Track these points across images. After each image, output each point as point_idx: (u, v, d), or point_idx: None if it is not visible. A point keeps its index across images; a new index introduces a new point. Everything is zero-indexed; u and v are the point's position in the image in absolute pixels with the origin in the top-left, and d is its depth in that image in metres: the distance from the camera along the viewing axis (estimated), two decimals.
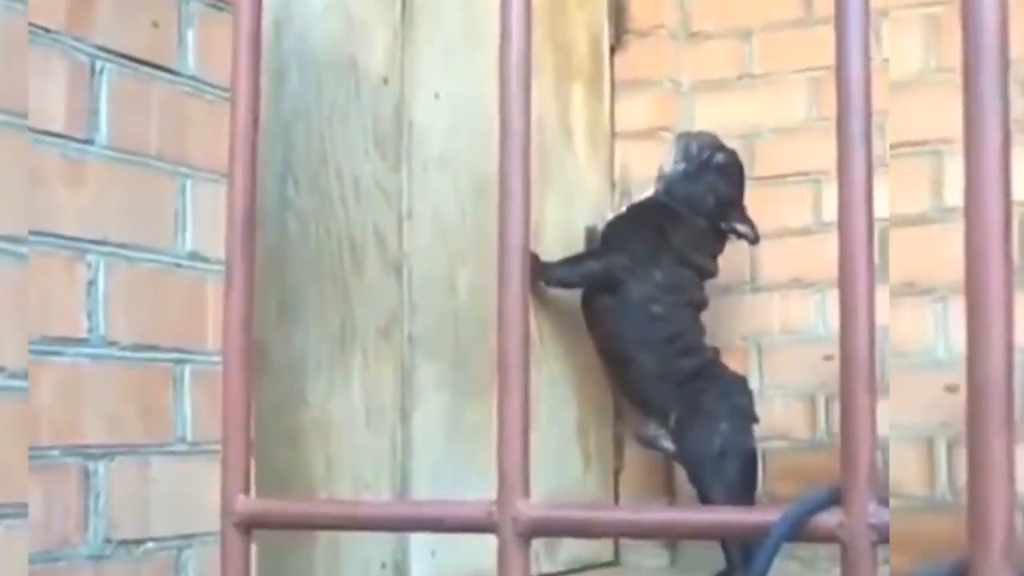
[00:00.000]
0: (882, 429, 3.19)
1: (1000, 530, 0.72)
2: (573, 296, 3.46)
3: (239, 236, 1.29)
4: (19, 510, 1.65)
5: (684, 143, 3.39)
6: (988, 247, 0.74)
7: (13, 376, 1.63)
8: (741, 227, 3.35)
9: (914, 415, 2.77)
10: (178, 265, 1.93)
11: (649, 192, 3.42)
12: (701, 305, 3.36)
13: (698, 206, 3.34)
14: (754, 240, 3.34)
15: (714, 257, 3.38)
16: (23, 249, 1.65)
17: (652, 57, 3.84)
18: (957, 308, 2.69)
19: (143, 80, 1.88)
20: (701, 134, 3.42)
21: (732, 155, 3.40)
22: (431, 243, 2.91)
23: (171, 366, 1.92)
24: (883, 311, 3.20)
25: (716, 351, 3.34)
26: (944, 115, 2.71)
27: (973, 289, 0.73)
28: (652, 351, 3.24)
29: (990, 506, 0.73)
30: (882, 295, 3.22)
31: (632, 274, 3.25)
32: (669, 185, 3.37)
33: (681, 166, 3.35)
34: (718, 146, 3.39)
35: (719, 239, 3.37)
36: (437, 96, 2.95)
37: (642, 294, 3.24)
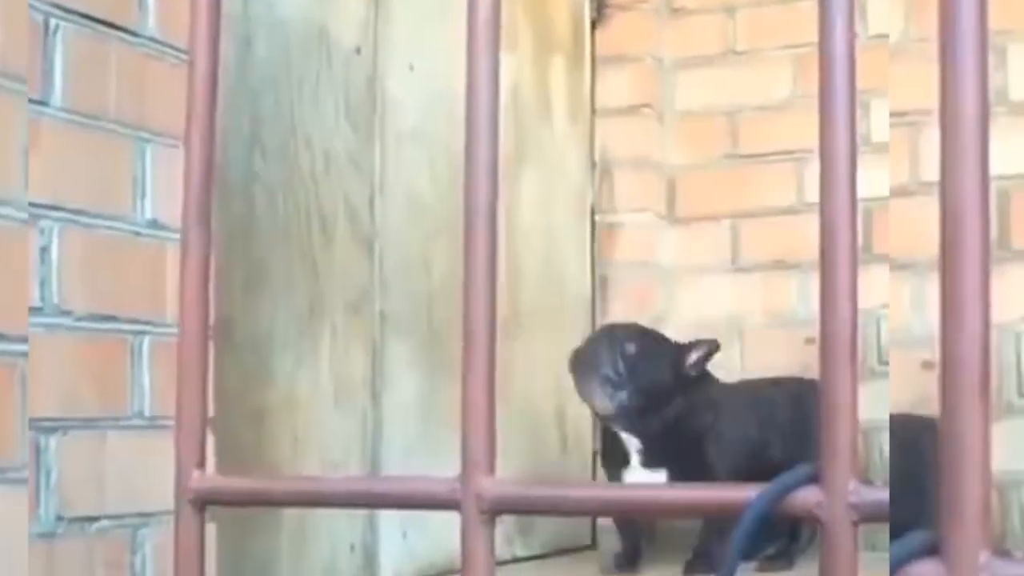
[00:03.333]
0: (872, 412, 3.19)
1: (974, 504, 0.70)
2: (554, 268, 3.44)
3: (195, 202, 1.25)
4: (19, 476, 1.63)
5: (595, 375, 2.92)
6: (964, 220, 0.73)
7: (10, 341, 1.60)
8: (697, 354, 2.96)
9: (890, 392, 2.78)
10: (137, 233, 1.88)
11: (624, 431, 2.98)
12: None
13: (664, 392, 2.94)
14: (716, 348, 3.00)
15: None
16: (22, 215, 1.61)
17: (634, 32, 3.79)
18: (935, 283, 2.63)
19: (100, 40, 1.82)
20: (597, 350, 2.96)
21: (633, 332, 3.01)
22: (404, 218, 2.86)
23: (129, 337, 1.86)
24: (876, 291, 3.21)
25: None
26: (922, 86, 2.69)
27: (949, 261, 0.72)
28: None
29: (964, 479, 0.71)
30: (874, 273, 3.24)
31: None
32: (627, 414, 2.93)
33: (621, 394, 2.90)
34: (621, 340, 2.96)
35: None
36: (412, 68, 2.90)
37: None
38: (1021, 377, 3.24)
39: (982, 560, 0.69)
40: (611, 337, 3.00)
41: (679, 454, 2.94)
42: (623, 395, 2.90)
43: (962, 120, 0.74)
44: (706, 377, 3.02)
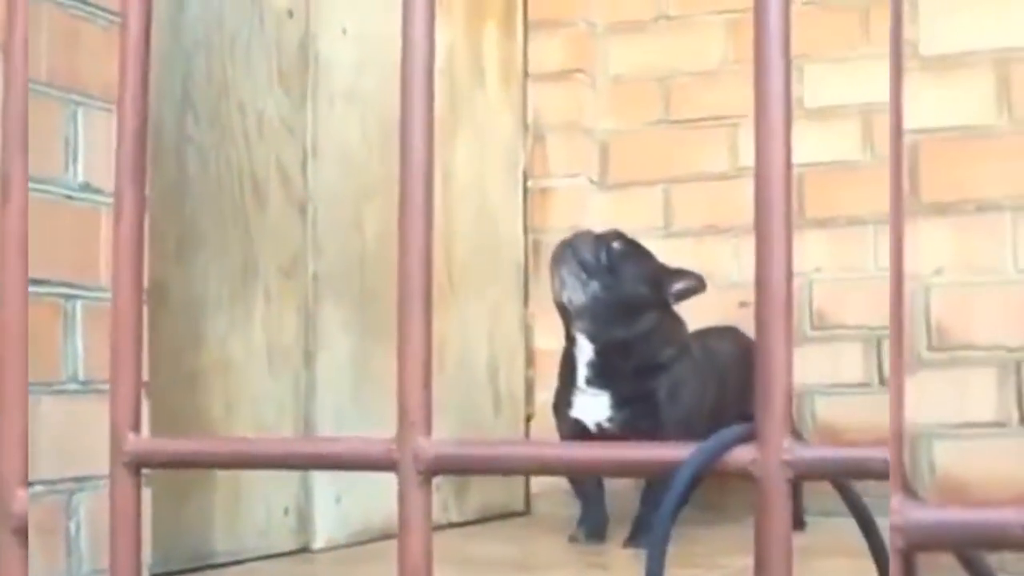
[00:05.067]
0: (805, 377, 3.25)
1: (780, 401, 0.83)
2: (486, 232, 3.44)
3: (129, 163, 1.23)
4: None
5: (573, 258, 2.87)
6: (773, 195, 0.85)
7: None
8: (683, 284, 2.95)
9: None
10: (69, 197, 1.86)
11: (583, 334, 2.90)
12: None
13: (638, 303, 2.90)
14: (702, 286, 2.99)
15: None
16: None
17: None
18: (748, 244, 3.02)
19: (31, 2, 1.80)
20: (581, 238, 2.94)
21: (623, 236, 2.98)
22: (337, 181, 2.85)
23: (61, 301, 1.85)
24: (808, 255, 3.31)
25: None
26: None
27: (762, 226, 0.85)
28: None
29: (773, 382, 0.83)
30: (807, 237, 3.33)
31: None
32: (595, 312, 2.87)
33: (594, 283, 2.85)
34: (610, 237, 2.94)
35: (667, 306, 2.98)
36: (344, 31, 2.89)
37: None
38: (931, 330, 3.29)
39: (786, 444, 0.83)
40: (600, 234, 2.94)
41: (629, 378, 2.88)
42: (596, 286, 2.85)
43: (771, 120, 0.85)
44: (678, 317, 2.99)
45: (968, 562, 0.90)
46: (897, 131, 0.80)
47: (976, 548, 0.83)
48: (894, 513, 0.77)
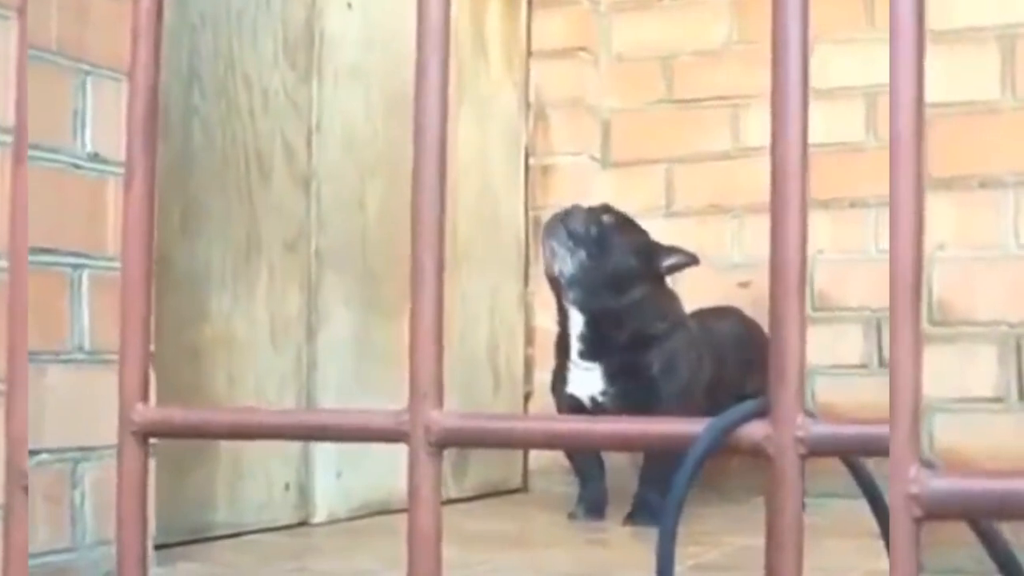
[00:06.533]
0: (807, 357, 3.27)
1: (793, 379, 0.83)
2: (488, 209, 3.43)
3: (140, 133, 1.23)
4: None
5: (563, 229, 2.89)
6: (789, 176, 0.85)
7: None
8: (674, 259, 2.96)
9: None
10: (77, 166, 1.86)
11: (574, 306, 2.91)
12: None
13: (627, 274, 2.90)
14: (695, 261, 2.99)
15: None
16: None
17: None
18: (750, 224, 3.57)
19: None
20: (572, 211, 2.95)
21: (613, 209, 2.99)
22: (341, 157, 2.85)
23: (68, 271, 1.85)
24: (812, 237, 3.31)
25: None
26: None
27: (777, 207, 0.85)
28: None
29: (786, 360, 0.84)
30: (810, 218, 3.33)
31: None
32: (584, 282, 2.88)
33: (581, 252, 2.87)
34: (599, 211, 2.96)
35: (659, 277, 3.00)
36: (350, 6, 2.88)
37: None
38: (932, 305, 3.30)
39: (799, 421, 0.84)
40: (591, 208, 2.96)
41: (621, 351, 2.89)
42: (583, 254, 2.86)
43: (788, 99, 0.85)
44: (670, 292, 3.00)
45: (983, 533, 0.90)
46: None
47: (995, 517, 0.83)
48: (910, 482, 0.77)
